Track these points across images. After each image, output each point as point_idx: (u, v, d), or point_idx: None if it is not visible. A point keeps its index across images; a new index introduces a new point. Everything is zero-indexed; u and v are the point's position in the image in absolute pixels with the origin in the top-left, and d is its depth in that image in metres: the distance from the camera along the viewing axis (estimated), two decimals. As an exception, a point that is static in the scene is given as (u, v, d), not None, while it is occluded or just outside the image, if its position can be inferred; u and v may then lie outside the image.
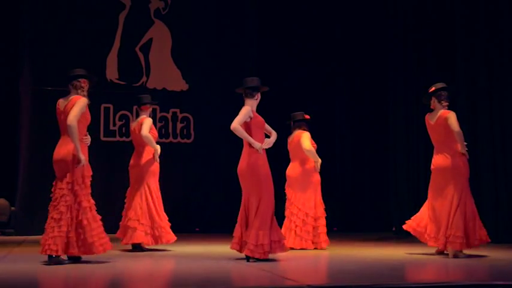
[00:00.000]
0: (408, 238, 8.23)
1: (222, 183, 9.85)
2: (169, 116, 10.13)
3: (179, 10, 10.29)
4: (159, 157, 6.80)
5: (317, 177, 7.12)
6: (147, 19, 10.15)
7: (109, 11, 9.95)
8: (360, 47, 10.58)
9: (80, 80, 5.56)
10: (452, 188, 5.98)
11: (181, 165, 9.94)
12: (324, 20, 10.82)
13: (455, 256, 5.88)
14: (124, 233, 6.67)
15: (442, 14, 8.76)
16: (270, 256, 5.62)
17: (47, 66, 9.38)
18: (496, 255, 6.13)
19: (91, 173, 5.50)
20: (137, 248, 6.62)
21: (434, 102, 6.21)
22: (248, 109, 5.71)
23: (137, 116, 7.19)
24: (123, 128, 9.78)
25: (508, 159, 7.67)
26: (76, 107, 5.36)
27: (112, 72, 9.90)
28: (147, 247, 6.67)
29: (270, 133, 5.96)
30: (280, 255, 5.89)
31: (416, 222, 6.26)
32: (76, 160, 5.32)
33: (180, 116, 10.18)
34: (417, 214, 6.36)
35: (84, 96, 5.52)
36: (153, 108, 9.40)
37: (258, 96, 5.82)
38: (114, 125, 9.82)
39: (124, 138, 9.67)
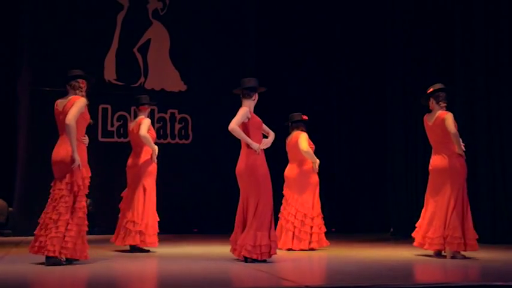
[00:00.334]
0: (406, 239, 8.24)
1: (220, 184, 9.84)
2: (167, 116, 10.13)
3: (177, 11, 10.29)
4: (157, 158, 6.80)
5: (315, 178, 7.12)
6: (145, 20, 10.15)
7: (107, 11, 9.94)
8: (358, 48, 10.59)
9: (78, 80, 5.55)
10: (449, 189, 5.99)
11: (179, 166, 9.94)
12: (322, 21, 10.82)
13: (453, 257, 5.89)
14: (122, 234, 6.66)
15: (441, 14, 8.77)
16: (268, 259, 5.61)
17: (46, 67, 9.37)
18: (494, 256, 6.14)
19: (90, 174, 5.50)
20: (135, 248, 6.61)
21: (432, 103, 6.22)
22: (246, 110, 5.71)
23: (135, 116, 7.18)
24: (121, 129, 9.77)
25: (506, 160, 7.68)
26: (75, 107, 5.36)
27: (110, 72, 9.90)
28: (145, 248, 6.66)
29: (268, 134, 5.96)
30: (278, 256, 5.89)
31: (421, 234, 6.22)
32: (76, 160, 5.30)
33: (178, 116, 10.18)
34: (419, 225, 6.29)
35: (82, 96, 5.52)
36: (151, 109, 9.42)
37: (256, 96, 5.83)
38: (112, 125, 9.82)
39: (122, 139, 9.66)
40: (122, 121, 9.83)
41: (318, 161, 7.07)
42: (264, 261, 5.53)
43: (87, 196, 5.55)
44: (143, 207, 6.61)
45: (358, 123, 10.54)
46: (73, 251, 5.29)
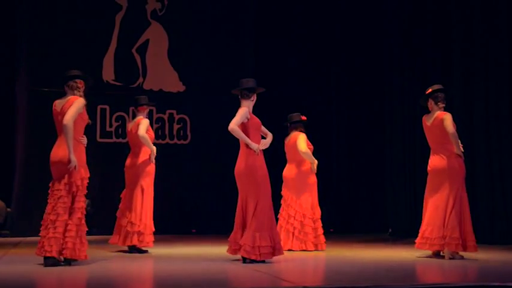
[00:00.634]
0: (404, 240, 8.25)
1: (219, 185, 9.84)
2: (165, 117, 10.12)
3: (176, 11, 10.29)
4: (155, 158, 6.80)
5: (313, 179, 7.13)
6: (143, 20, 10.14)
7: (106, 12, 9.93)
8: (357, 48, 10.59)
9: (76, 80, 5.55)
10: (447, 189, 5.99)
11: (177, 167, 9.93)
12: (321, 21, 10.83)
13: (451, 257, 5.89)
14: (120, 235, 6.66)
15: (439, 14, 8.77)
16: (267, 260, 5.61)
17: (44, 67, 9.36)
18: (492, 256, 6.15)
19: (88, 175, 5.49)
20: (134, 249, 6.61)
21: (431, 103, 6.23)
22: (245, 110, 5.71)
23: (134, 117, 7.18)
24: (120, 129, 9.76)
25: (504, 161, 7.69)
26: (73, 107, 5.35)
27: (108, 73, 9.89)
28: (143, 248, 6.66)
29: (266, 135, 5.97)
30: (277, 256, 5.89)
31: (420, 234, 6.22)
32: (72, 161, 5.29)
33: (176, 117, 10.18)
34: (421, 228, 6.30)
35: (80, 96, 5.52)
36: (149, 110, 9.40)
37: (254, 97, 5.83)
38: (111, 126, 9.81)
39: (120, 140, 9.65)
40: (120, 121, 9.83)
41: (316, 161, 7.08)
42: (263, 261, 5.53)
43: (86, 197, 5.55)
44: (141, 207, 6.62)
45: (356, 123, 10.54)
46: (72, 250, 5.28)
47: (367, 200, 10.40)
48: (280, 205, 7.10)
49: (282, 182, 7.19)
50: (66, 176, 5.32)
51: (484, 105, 7.87)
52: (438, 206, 6.03)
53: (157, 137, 9.41)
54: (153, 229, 6.70)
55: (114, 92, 9.83)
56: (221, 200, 9.69)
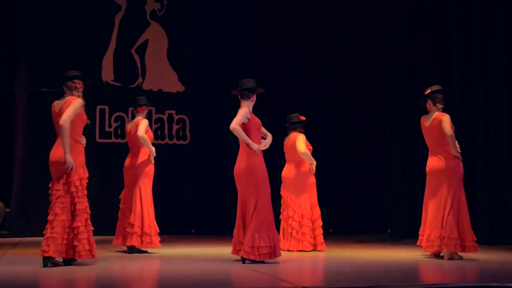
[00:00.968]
0: (403, 240, 8.26)
1: (218, 185, 9.84)
2: (165, 117, 10.12)
3: (175, 12, 10.28)
4: (155, 159, 6.80)
5: (312, 179, 7.13)
6: (143, 20, 10.14)
7: (105, 12, 9.93)
8: (357, 49, 10.59)
9: (74, 81, 5.55)
10: (445, 190, 6.00)
11: (177, 167, 9.93)
12: (321, 21, 10.83)
13: (450, 258, 5.89)
14: (123, 235, 6.68)
15: (439, 15, 8.78)
16: (266, 260, 5.60)
17: (43, 68, 9.36)
18: (491, 257, 6.15)
19: (87, 175, 5.49)
20: (134, 249, 6.61)
21: (429, 104, 6.24)
22: (246, 110, 5.72)
23: (133, 117, 7.18)
24: (119, 130, 9.76)
25: (503, 161, 7.69)
26: (71, 108, 5.35)
27: (108, 73, 9.89)
28: (142, 249, 6.66)
29: (266, 135, 5.97)
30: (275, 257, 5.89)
31: (424, 234, 6.23)
32: (68, 161, 5.27)
33: (176, 117, 10.17)
34: (421, 226, 6.31)
35: (79, 97, 5.52)
36: (149, 110, 9.41)
37: (254, 97, 5.84)
38: (110, 126, 9.80)
39: (120, 140, 9.65)
40: (119, 122, 9.82)
41: (315, 162, 7.08)
42: (262, 262, 5.53)
43: (86, 197, 5.54)
44: (141, 208, 6.62)
45: (356, 124, 10.54)
46: (85, 251, 5.30)
47: (366, 201, 10.40)
48: (279, 205, 7.10)
49: (281, 182, 7.19)
50: (65, 176, 5.31)
51: (484, 106, 7.87)
52: (437, 207, 6.04)
53: (156, 137, 9.40)
54: (158, 230, 6.71)
55: (114, 92, 9.82)
56: (220, 200, 9.69)
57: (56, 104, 5.51)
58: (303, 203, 7.00)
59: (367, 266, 5.46)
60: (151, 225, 6.63)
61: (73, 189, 5.32)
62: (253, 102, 5.85)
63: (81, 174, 5.38)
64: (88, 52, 9.60)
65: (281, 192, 7.17)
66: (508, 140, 7.70)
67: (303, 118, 7.25)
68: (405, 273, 5.02)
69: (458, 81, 8.14)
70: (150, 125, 7.06)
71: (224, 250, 5.94)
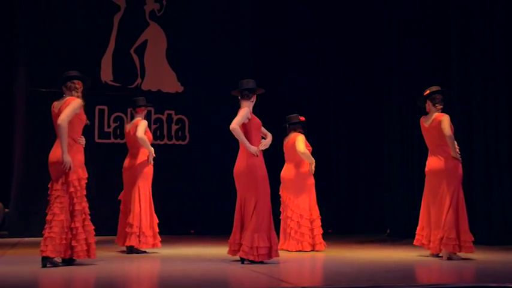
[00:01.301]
0: (402, 240, 8.26)
1: (217, 185, 9.84)
2: (164, 117, 10.12)
3: (174, 12, 10.29)
4: (154, 159, 6.80)
5: (311, 180, 7.13)
6: (142, 21, 10.14)
7: (104, 12, 9.93)
8: (355, 50, 10.59)
9: (74, 81, 5.55)
10: (445, 190, 6.01)
11: (176, 167, 9.93)
12: (320, 22, 10.84)
13: (449, 258, 5.90)
14: (123, 236, 6.68)
15: (438, 15, 8.78)
16: (265, 261, 5.60)
17: (42, 68, 9.36)
18: (490, 257, 6.15)
19: (87, 175, 5.49)
20: (132, 250, 6.61)
21: (429, 105, 6.25)
22: (246, 110, 5.72)
23: (132, 118, 7.18)
24: (118, 130, 9.75)
25: (502, 162, 7.69)
26: (69, 108, 5.34)
27: (107, 74, 9.88)
28: (141, 249, 6.66)
29: (266, 135, 5.98)
30: (277, 257, 5.89)
31: (425, 235, 6.24)
32: (65, 161, 5.26)
33: (175, 117, 10.17)
34: (420, 227, 6.31)
35: (78, 97, 5.52)
36: (148, 110, 9.40)
37: (254, 98, 5.84)
38: (109, 126, 9.80)
39: (119, 140, 9.64)
40: (118, 122, 9.82)
41: (314, 161, 7.09)
42: (261, 262, 5.53)
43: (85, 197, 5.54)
44: (139, 209, 6.62)
45: (355, 124, 10.54)
46: (83, 252, 5.30)
47: (365, 201, 10.41)
48: (279, 206, 7.10)
49: (279, 183, 7.19)
50: (64, 176, 5.31)
51: (482, 107, 7.87)
52: (436, 208, 6.05)
53: (155, 137, 9.39)
54: (157, 230, 6.70)
55: (113, 92, 9.82)
56: (220, 200, 9.69)
57: (56, 105, 5.51)
58: (301, 203, 7.00)
59: (367, 266, 5.47)
60: (150, 225, 6.63)
61: (72, 189, 5.31)
62: (253, 102, 5.86)
63: (80, 174, 5.38)
64: (87, 52, 9.61)
65: (280, 193, 7.18)
66: (507, 141, 7.70)
67: (302, 118, 7.26)
68: (404, 274, 5.03)
69: (456, 82, 8.14)
70: (149, 125, 7.05)
71: (223, 250, 5.93)
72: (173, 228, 9.29)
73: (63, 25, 9.61)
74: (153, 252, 6.71)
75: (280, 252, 5.87)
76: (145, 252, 6.66)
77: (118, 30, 9.97)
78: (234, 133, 5.63)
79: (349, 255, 6.59)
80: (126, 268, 5.52)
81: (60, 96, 5.58)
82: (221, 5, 10.49)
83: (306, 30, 10.81)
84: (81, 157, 5.46)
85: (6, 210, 9.25)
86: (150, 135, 6.95)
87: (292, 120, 7.24)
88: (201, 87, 10.19)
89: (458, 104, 8.02)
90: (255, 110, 5.89)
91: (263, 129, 5.95)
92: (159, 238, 6.69)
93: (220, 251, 6.43)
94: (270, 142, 5.88)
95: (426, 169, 6.23)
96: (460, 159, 6.10)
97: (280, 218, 7.06)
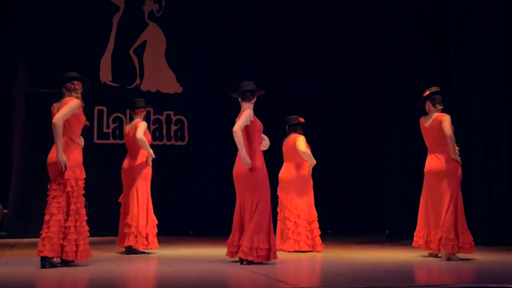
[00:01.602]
0: (401, 241, 8.26)
1: (217, 186, 9.84)
2: (163, 118, 10.12)
3: (173, 12, 10.29)
4: (153, 160, 6.80)
5: (310, 181, 7.14)
6: (141, 21, 10.14)
7: (103, 13, 9.93)
8: (355, 51, 10.59)
9: (73, 82, 5.55)
10: (444, 191, 6.01)
11: (175, 168, 9.93)
12: (319, 23, 10.84)
13: (448, 258, 5.90)
14: (121, 237, 6.69)
15: (437, 17, 8.78)
16: (264, 261, 5.60)
17: (41, 68, 9.36)
18: (489, 258, 6.15)
19: (84, 176, 5.47)
20: (131, 250, 6.61)
21: (429, 106, 6.25)
22: (249, 112, 5.71)
23: (131, 118, 7.18)
24: (117, 131, 9.75)
25: (501, 163, 7.69)
26: (66, 107, 5.33)
27: (106, 74, 9.88)
28: (139, 250, 6.65)
29: (263, 138, 5.97)
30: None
31: (423, 236, 6.24)
32: (60, 160, 5.24)
33: (174, 118, 10.17)
34: (419, 227, 6.31)
35: (77, 98, 5.51)
36: (147, 111, 9.39)
37: (254, 99, 5.84)
38: (108, 127, 9.80)
39: (118, 141, 9.64)
40: (117, 123, 9.82)
41: (315, 162, 7.09)
42: (260, 263, 5.53)
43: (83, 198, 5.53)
44: (137, 209, 6.63)
45: (354, 125, 10.55)
46: (73, 252, 5.27)
47: (364, 202, 10.40)
48: (276, 206, 7.09)
49: (278, 183, 7.19)
50: (60, 175, 5.30)
51: (481, 108, 7.87)
52: (435, 208, 6.05)
53: (154, 138, 9.39)
54: (155, 231, 6.69)
55: (112, 93, 9.82)
56: (219, 201, 9.68)
57: (55, 106, 5.51)
58: (299, 204, 7.00)
59: (365, 266, 5.46)
60: (148, 226, 6.63)
61: (69, 189, 5.30)
62: (253, 104, 5.85)
63: (77, 174, 5.37)
64: (86, 53, 9.61)
65: (278, 193, 7.17)
66: (506, 141, 7.70)
67: (301, 120, 7.26)
68: (403, 274, 5.02)
69: (455, 82, 8.13)
70: (148, 126, 7.06)
71: (222, 251, 5.93)
72: (172, 229, 9.29)
73: (62, 25, 9.61)
74: (152, 253, 6.70)
75: (278, 253, 5.86)
76: (144, 252, 6.66)
77: (117, 30, 9.97)
78: (235, 136, 5.59)
79: (348, 255, 6.58)
80: (125, 269, 5.51)
81: (59, 96, 5.58)
82: (220, 5, 10.49)
83: (305, 31, 10.81)
84: (78, 157, 5.45)
85: (5, 210, 9.24)
86: (149, 137, 6.95)
87: (292, 122, 7.24)
88: (200, 87, 10.19)
89: (457, 104, 8.02)
90: (255, 111, 5.89)
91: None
92: (155, 239, 6.67)
93: (219, 251, 6.42)
94: (268, 144, 5.89)
95: (425, 169, 6.23)
96: (460, 161, 6.09)
97: (278, 218, 7.05)
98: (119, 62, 9.92)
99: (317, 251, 6.89)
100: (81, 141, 5.52)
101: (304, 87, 10.69)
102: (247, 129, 5.69)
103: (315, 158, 7.15)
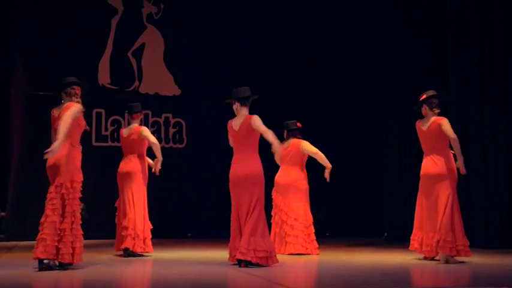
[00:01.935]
0: (399, 244, 8.26)
1: (215, 189, 9.83)
2: (161, 120, 10.12)
3: (172, 15, 10.30)
4: (149, 165, 6.84)
5: (306, 185, 7.18)
6: (139, 24, 10.15)
7: (101, 15, 9.94)
8: (353, 54, 10.61)
9: (73, 87, 5.57)
10: (440, 193, 6.01)
11: (173, 170, 9.90)
12: (317, 25, 10.86)
13: (446, 261, 5.90)
14: (118, 240, 6.69)
15: (435, 19, 8.79)
16: (262, 264, 5.59)
17: (40, 71, 9.36)
18: (486, 261, 6.15)
19: (81, 179, 5.45)
20: (129, 253, 6.61)
21: (425, 109, 6.26)
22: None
23: (129, 122, 7.20)
24: (115, 133, 9.75)
25: (499, 165, 7.69)
26: (69, 111, 5.34)
27: (104, 77, 9.89)
28: (137, 252, 6.65)
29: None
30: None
31: (418, 239, 6.24)
32: (51, 148, 5.19)
33: (172, 121, 10.18)
34: (416, 230, 6.32)
35: (78, 102, 5.53)
36: (145, 114, 9.42)
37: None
38: (106, 130, 9.80)
39: (116, 143, 9.62)
40: (115, 125, 9.82)
41: (330, 166, 7.19)
42: (258, 265, 5.51)
43: (80, 200, 5.53)
44: (134, 212, 6.64)
45: (352, 128, 10.56)
46: (68, 255, 5.26)
47: (362, 205, 10.41)
48: (270, 209, 7.09)
49: (272, 186, 7.21)
50: (57, 178, 5.30)
51: (479, 110, 7.87)
52: (432, 211, 6.05)
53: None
54: (149, 235, 6.69)
55: (110, 95, 9.82)
56: (217, 204, 9.68)
57: (55, 110, 5.53)
58: (297, 208, 7.02)
59: (363, 269, 5.46)
60: (144, 229, 6.64)
61: (63, 191, 5.28)
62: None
63: (73, 177, 5.35)
64: (85, 55, 9.61)
65: (273, 196, 7.18)
66: (504, 144, 7.71)
67: (299, 125, 7.32)
68: (400, 277, 5.03)
69: (454, 85, 8.14)
70: (146, 128, 7.09)
71: (221, 254, 5.93)
72: (170, 232, 9.29)
73: (61, 28, 9.62)
74: (149, 255, 6.69)
75: (277, 256, 5.84)
76: (142, 255, 6.65)
77: (115, 33, 9.98)
78: (269, 135, 5.62)
79: (345, 258, 6.59)
80: (122, 272, 5.51)
81: (58, 99, 5.59)
82: (218, 8, 10.50)
83: (303, 33, 10.82)
84: (77, 161, 5.44)
85: (3, 213, 9.23)
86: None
87: (292, 127, 7.29)
88: (199, 90, 10.20)
89: (455, 105, 8.02)
90: (254, 113, 5.89)
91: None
92: (150, 243, 6.67)
93: (217, 254, 6.42)
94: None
95: (421, 172, 6.23)
96: (463, 168, 6.07)
97: (272, 221, 7.04)
98: (118, 65, 9.92)
99: (315, 254, 6.89)
100: (80, 148, 5.53)
101: (302, 89, 10.70)
102: (254, 132, 5.69)
103: (313, 161, 7.20)
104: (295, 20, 10.81)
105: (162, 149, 9.89)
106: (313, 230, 7.05)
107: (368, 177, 10.38)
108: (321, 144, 10.39)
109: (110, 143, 9.77)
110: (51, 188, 5.32)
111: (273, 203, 7.14)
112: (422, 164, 6.23)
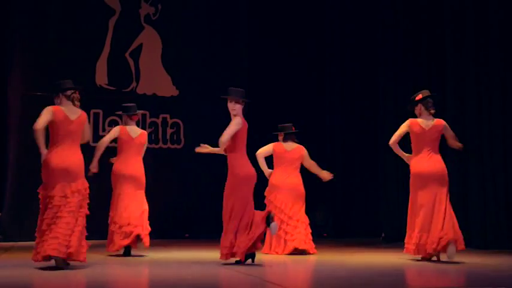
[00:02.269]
0: (397, 244, 8.26)
1: (212, 189, 9.81)
2: (159, 121, 10.11)
3: (169, 16, 10.29)
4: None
5: (302, 186, 7.28)
6: (137, 24, 10.14)
7: (99, 16, 9.92)
8: (350, 54, 10.61)
9: (77, 92, 5.66)
10: (438, 192, 6.06)
11: (171, 171, 9.92)
12: (315, 26, 10.86)
13: (450, 257, 5.89)
14: (109, 241, 6.70)
15: (432, 17, 8.80)
16: (261, 263, 5.61)
17: (37, 71, 9.34)
18: (484, 261, 6.16)
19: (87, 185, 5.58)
20: (129, 251, 6.63)
21: (421, 109, 6.31)
22: (239, 119, 5.87)
23: (125, 123, 7.23)
24: (113, 134, 9.72)
25: (496, 166, 7.70)
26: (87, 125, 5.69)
27: (102, 77, 9.87)
28: (137, 252, 6.66)
29: None
30: (269, 260, 5.90)
31: (414, 241, 6.26)
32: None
33: (170, 121, 10.17)
34: (410, 231, 6.33)
35: (78, 106, 5.65)
36: (142, 114, 9.41)
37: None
38: (104, 130, 9.78)
39: (113, 144, 9.59)
40: (113, 126, 9.79)
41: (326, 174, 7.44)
42: (239, 261, 5.58)
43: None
44: (127, 211, 6.66)
45: (349, 129, 10.55)
46: (82, 254, 5.38)
47: (360, 205, 10.40)
48: (263, 209, 7.09)
49: (265, 186, 7.23)
50: (75, 182, 5.50)
51: (477, 109, 7.88)
52: (430, 210, 6.07)
53: (150, 141, 9.36)
54: (143, 233, 6.70)
55: (108, 96, 9.81)
56: (214, 204, 9.64)
57: (67, 111, 5.59)
58: (297, 209, 7.09)
59: (361, 270, 5.47)
60: (140, 227, 6.64)
61: (81, 196, 5.47)
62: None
63: (86, 182, 5.58)
64: (82, 56, 9.60)
65: (270, 198, 7.19)
66: (501, 143, 7.71)
67: (293, 129, 7.38)
68: (398, 278, 5.03)
69: (451, 83, 8.14)
70: (144, 128, 7.11)
71: (218, 254, 5.93)
72: (168, 232, 9.28)
73: (58, 28, 9.60)
74: (147, 256, 6.69)
75: (274, 256, 5.87)
76: (141, 256, 6.66)
77: (113, 33, 9.97)
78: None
79: (343, 258, 6.59)
80: (120, 272, 5.51)
81: (53, 99, 5.62)
82: (216, 8, 10.50)
83: (301, 34, 10.82)
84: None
85: (0, 214, 9.21)
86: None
87: (288, 130, 7.33)
88: (196, 91, 10.19)
89: (453, 104, 8.02)
90: (249, 115, 5.91)
91: None
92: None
93: (214, 254, 6.41)
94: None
95: (418, 170, 6.22)
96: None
97: None
98: (115, 65, 9.91)
99: (313, 254, 6.91)
100: None
101: (299, 89, 10.69)
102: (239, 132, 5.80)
103: (312, 160, 7.37)
104: (293, 22, 10.81)
105: (160, 149, 10.02)
106: (310, 231, 7.09)
107: (366, 178, 10.38)
108: (318, 144, 10.49)
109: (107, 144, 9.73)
110: (67, 190, 5.39)
111: (269, 204, 7.13)
112: (416, 162, 6.24)
